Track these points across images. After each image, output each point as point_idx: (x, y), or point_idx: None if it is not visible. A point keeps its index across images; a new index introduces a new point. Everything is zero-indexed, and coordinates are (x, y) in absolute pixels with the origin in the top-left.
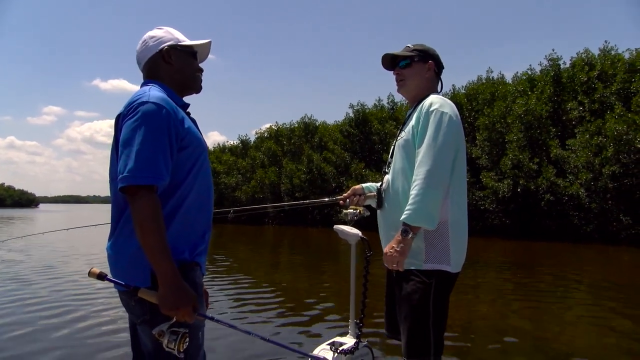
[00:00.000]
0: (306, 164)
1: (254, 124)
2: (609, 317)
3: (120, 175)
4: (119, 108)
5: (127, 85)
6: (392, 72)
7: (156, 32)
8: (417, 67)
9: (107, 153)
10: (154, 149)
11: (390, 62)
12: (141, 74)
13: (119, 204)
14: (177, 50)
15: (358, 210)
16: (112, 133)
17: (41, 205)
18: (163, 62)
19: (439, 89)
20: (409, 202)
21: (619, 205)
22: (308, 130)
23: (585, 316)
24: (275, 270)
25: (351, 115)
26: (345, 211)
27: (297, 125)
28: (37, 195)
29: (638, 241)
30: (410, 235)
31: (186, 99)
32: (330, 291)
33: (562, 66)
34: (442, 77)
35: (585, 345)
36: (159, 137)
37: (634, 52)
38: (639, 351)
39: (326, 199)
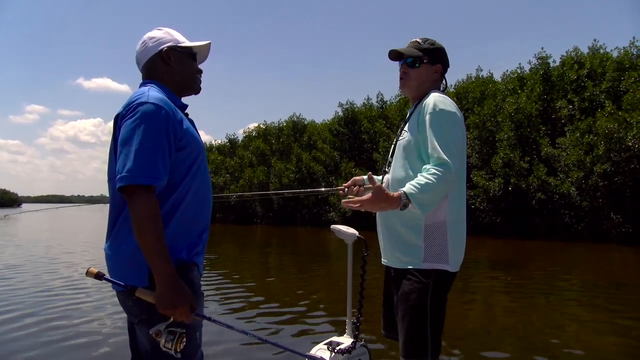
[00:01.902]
0: (295, 163)
1: (241, 123)
2: (600, 316)
3: (119, 175)
4: (103, 107)
5: (111, 84)
6: (397, 63)
7: (156, 33)
8: (423, 69)
9: (91, 152)
10: (153, 149)
11: (397, 54)
12: (134, 74)
13: (117, 203)
14: (176, 51)
15: None
16: (96, 132)
17: (24, 205)
18: (162, 63)
19: (441, 87)
20: (420, 179)
21: (610, 204)
22: (297, 129)
23: (575, 315)
24: (268, 270)
25: (340, 114)
26: (344, 200)
27: (285, 124)
28: (19, 194)
29: (628, 239)
30: (401, 207)
31: (184, 99)
32: (326, 291)
33: (551, 64)
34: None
35: (576, 344)
36: (157, 137)
37: (622, 51)
38: (629, 351)
39: (326, 189)
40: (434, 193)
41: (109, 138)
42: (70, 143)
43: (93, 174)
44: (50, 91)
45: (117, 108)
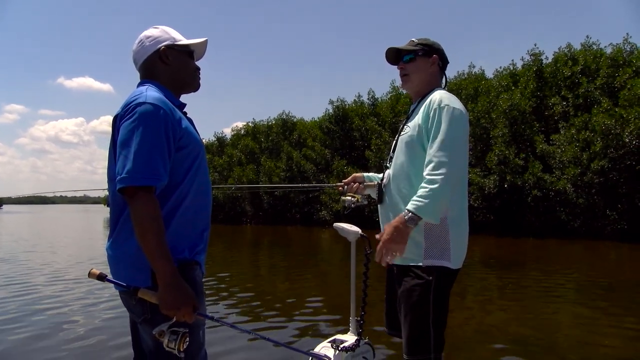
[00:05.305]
0: (285, 161)
1: (227, 121)
2: (598, 314)
3: (119, 177)
4: (85, 106)
5: (93, 84)
6: (395, 66)
7: (152, 32)
8: (420, 62)
9: (74, 152)
10: (152, 150)
11: (394, 56)
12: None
13: (118, 204)
14: (174, 50)
15: (356, 198)
16: (78, 132)
17: (5, 207)
18: (160, 62)
19: (442, 84)
20: (421, 192)
21: (605, 201)
22: (286, 127)
23: (572, 313)
24: (265, 269)
25: (331, 111)
26: (343, 198)
27: (274, 122)
28: (0, 196)
29: (623, 236)
30: (409, 223)
31: (183, 98)
32: (327, 289)
33: (544, 61)
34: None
35: (572, 342)
36: (156, 138)
37: (615, 47)
38: (628, 348)
39: (327, 184)
40: (438, 198)
41: (91, 137)
42: (52, 143)
43: (76, 174)
44: (30, 91)
45: (100, 107)
